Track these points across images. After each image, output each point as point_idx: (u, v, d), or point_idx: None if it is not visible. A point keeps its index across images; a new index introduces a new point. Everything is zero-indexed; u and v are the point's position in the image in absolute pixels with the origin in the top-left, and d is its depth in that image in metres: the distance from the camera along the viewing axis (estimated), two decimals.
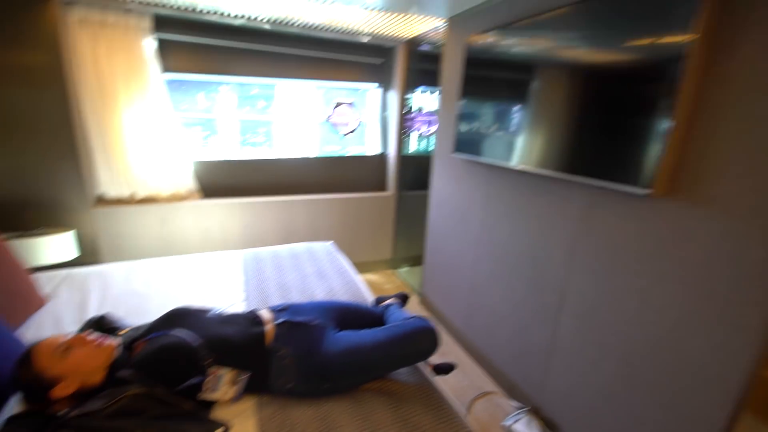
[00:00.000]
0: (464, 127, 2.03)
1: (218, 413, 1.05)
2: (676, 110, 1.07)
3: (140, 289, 1.73)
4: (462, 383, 2.03)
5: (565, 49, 1.41)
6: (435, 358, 2.12)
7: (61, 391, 0.98)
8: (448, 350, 2.31)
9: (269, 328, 1.24)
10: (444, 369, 1.79)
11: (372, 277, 3.26)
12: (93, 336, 1.07)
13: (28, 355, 0.99)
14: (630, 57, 1.19)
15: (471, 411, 1.86)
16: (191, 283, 1.80)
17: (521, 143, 1.64)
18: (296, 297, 1.70)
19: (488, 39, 1.80)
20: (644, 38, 1.13)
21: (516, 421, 1.76)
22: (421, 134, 3.43)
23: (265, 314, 1.31)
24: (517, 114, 1.66)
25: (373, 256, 3.30)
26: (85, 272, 1.84)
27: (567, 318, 1.58)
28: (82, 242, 2.33)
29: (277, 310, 1.34)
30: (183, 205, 2.55)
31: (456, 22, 2.18)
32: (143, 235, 2.48)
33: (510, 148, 1.71)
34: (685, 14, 1.02)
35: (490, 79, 1.84)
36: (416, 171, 3.18)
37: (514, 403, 1.89)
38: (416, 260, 3.38)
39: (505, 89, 1.74)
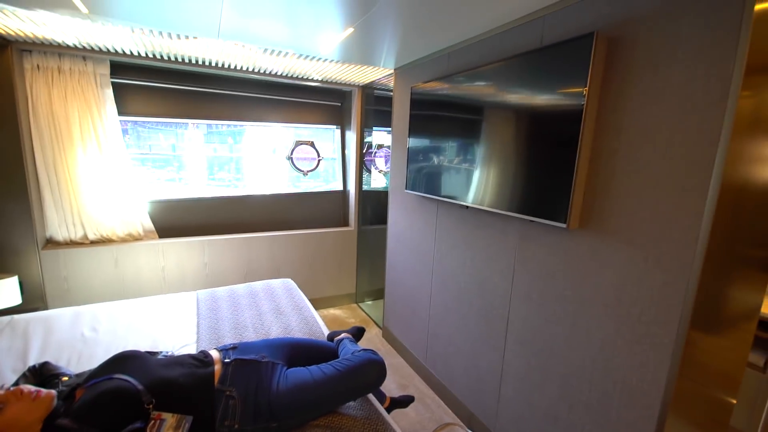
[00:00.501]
0: (414, 165, 2.18)
1: None
2: (579, 152, 1.24)
3: (87, 335, 1.67)
4: (423, 416, 2.04)
5: (498, 95, 1.59)
6: (394, 392, 2.15)
7: None
8: (408, 382, 2.32)
9: (217, 368, 1.24)
10: (402, 402, 1.81)
11: (336, 311, 3.26)
12: (29, 389, 1.04)
13: None
14: (549, 104, 1.37)
15: None
16: (141, 326, 1.77)
17: (464, 180, 1.79)
18: (251, 335, 1.70)
19: (429, 86, 1.99)
20: (557, 89, 1.31)
21: None
22: (381, 171, 3.59)
23: (214, 354, 1.31)
24: (459, 153, 1.82)
25: (336, 291, 3.31)
26: (28, 318, 1.76)
27: (513, 344, 1.67)
28: (28, 287, 2.22)
29: (226, 349, 1.34)
30: (138, 245, 2.51)
31: (402, 71, 2.40)
32: (95, 277, 2.40)
33: (454, 184, 1.85)
34: (581, 71, 1.20)
35: (434, 121, 2.01)
36: (376, 206, 3.30)
37: None
38: (379, 293, 3.42)
39: (448, 129, 1.90)
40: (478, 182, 1.70)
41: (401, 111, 2.40)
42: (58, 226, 2.33)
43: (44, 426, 1.02)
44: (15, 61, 2.06)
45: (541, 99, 1.37)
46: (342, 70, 2.54)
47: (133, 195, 2.49)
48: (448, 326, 2.09)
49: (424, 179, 2.10)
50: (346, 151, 3.34)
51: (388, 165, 3.53)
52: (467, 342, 1.95)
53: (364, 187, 3.25)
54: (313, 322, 1.85)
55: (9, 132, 2.09)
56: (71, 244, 2.38)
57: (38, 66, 2.14)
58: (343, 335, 1.63)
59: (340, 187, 3.39)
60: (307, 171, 3.30)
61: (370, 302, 3.42)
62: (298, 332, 1.75)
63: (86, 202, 2.36)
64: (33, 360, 1.47)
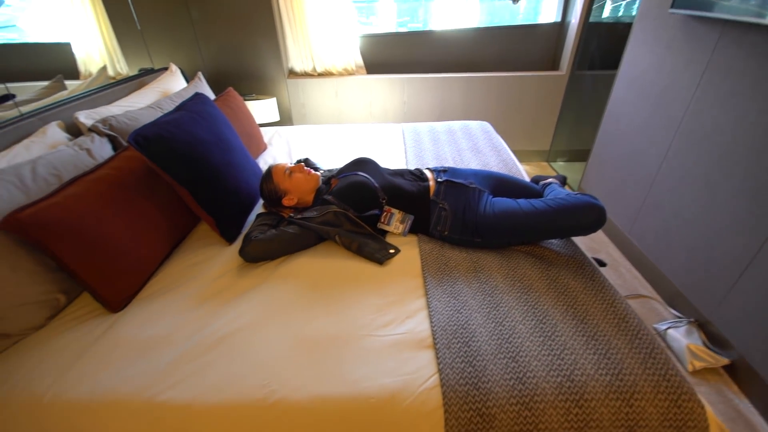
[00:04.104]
0: None
1: (390, 241, 1.30)
2: None
3: (323, 146, 2.08)
4: (613, 281, 1.92)
5: None
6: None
7: (287, 201, 1.36)
8: (599, 247, 2.17)
9: (432, 184, 1.37)
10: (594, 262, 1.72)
11: (524, 167, 3.10)
12: (306, 168, 1.40)
13: (269, 172, 1.38)
14: None
15: None
16: (361, 146, 2.07)
17: None
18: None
19: None
20: None
21: (672, 328, 1.63)
22: None
23: (427, 173, 1.44)
24: None
25: (527, 145, 3.07)
26: (288, 129, 2.30)
27: None
28: (280, 109, 2.86)
29: (438, 171, 1.45)
30: (351, 79, 2.78)
31: None
32: (323, 105, 2.86)
33: None
34: None
35: None
36: (604, 44, 2.59)
37: (675, 312, 1.73)
38: (576, 155, 3.02)
39: None
40: None
41: None
42: (295, 59, 2.76)
43: (314, 198, 1.39)
44: None
45: None
46: None
47: (348, 29, 2.63)
48: (680, 196, 1.71)
49: None
50: None
51: None
52: (704, 218, 1.58)
53: (592, 19, 2.54)
54: (512, 165, 1.79)
55: None
56: (305, 75, 2.82)
57: None
58: (550, 179, 1.53)
59: (557, 18, 2.75)
60: None
61: (563, 163, 3.09)
62: (497, 171, 1.74)
63: (313, 36, 2.64)
64: (295, 157, 1.96)
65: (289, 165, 1.40)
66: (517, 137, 3.01)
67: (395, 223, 1.31)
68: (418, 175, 1.43)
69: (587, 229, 1.19)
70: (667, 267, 1.80)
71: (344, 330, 0.96)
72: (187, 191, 1.22)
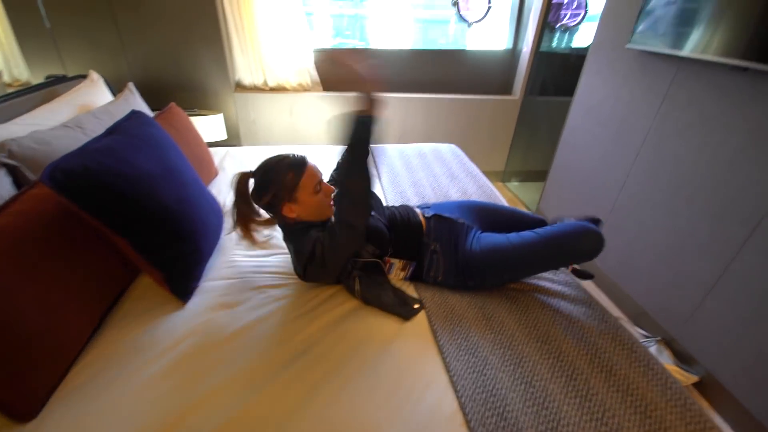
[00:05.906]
0: (656, 4, 1.58)
1: None
2: None
3: None
4: None
5: None
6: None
7: (287, 210, 1.07)
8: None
9: (422, 220, 1.24)
10: (583, 274, 1.57)
11: None
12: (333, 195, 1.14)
13: (302, 164, 1.08)
14: None
15: None
16: (329, 169, 1.88)
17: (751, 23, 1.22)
18: (431, 196, 1.68)
19: None
20: None
21: None
22: (561, 26, 2.86)
23: (415, 209, 1.31)
24: None
25: (483, 166, 3.08)
26: (242, 151, 2.02)
27: (753, 254, 1.33)
28: (227, 125, 2.54)
29: (422, 207, 1.33)
30: (307, 96, 2.59)
31: None
32: (275, 123, 2.61)
33: (729, 32, 1.30)
34: None
35: None
36: (556, 72, 2.73)
37: (641, 331, 1.80)
38: (530, 175, 3.14)
39: None
40: None
41: None
42: (244, 71, 2.49)
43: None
44: None
45: None
46: None
47: (303, 42, 2.44)
48: (641, 222, 1.79)
49: (669, 27, 1.53)
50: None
51: (576, 19, 2.78)
52: (665, 242, 1.66)
53: (543, 48, 2.66)
54: (490, 191, 1.75)
55: None
56: (255, 89, 2.56)
57: None
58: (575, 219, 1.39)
59: (509, 45, 2.85)
60: (473, 21, 2.80)
61: (517, 183, 3.19)
62: (476, 198, 1.67)
63: (264, 47, 2.40)
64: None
65: (322, 179, 1.12)
66: (473, 158, 3.02)
67: (396, 271, 1.16)
68: (409, 211, 1.28)
69: (584, 257, 1.12)
70: (630, 288, 1.87)
71: (360, 416, 0.77)
72: (126, 241, 0.94)
